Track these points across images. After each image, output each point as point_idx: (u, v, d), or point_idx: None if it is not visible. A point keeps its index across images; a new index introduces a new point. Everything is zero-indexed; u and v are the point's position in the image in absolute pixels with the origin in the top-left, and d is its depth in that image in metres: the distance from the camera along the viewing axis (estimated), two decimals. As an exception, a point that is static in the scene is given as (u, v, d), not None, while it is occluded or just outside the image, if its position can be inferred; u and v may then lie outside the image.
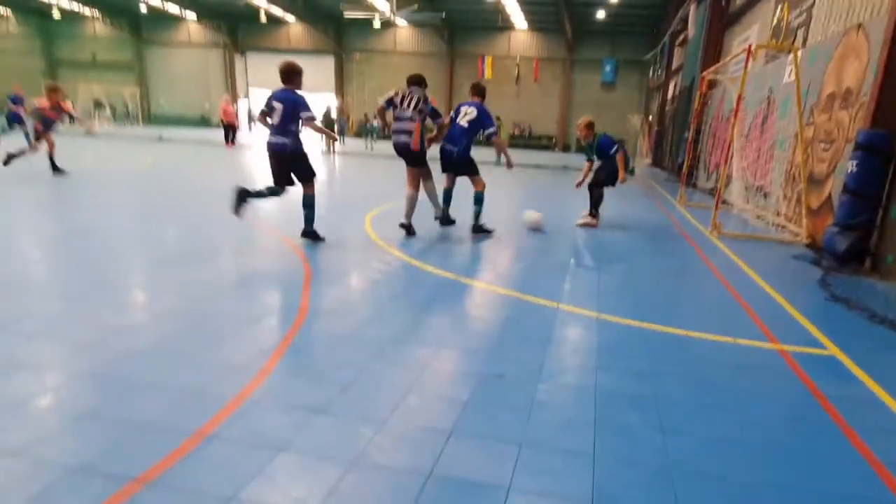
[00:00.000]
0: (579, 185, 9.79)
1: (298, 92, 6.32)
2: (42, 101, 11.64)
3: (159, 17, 41.68)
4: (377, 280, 5.26)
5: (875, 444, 2.88)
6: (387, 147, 28.22)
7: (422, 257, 6.20)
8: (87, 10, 39.47)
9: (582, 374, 3.46)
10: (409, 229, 7.40)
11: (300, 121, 6.24)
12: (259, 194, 6.37)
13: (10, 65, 42.98)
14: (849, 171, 6.95)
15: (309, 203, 6.60)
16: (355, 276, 5.40)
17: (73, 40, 44.55)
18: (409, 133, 7.09)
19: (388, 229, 7.62)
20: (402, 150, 7.22)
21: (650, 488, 2.43)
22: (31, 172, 11.53)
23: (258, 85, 43.67)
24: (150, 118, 43.82)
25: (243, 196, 6.30)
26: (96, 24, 43.67)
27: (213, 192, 10.07)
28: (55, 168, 11.67)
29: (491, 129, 7.43)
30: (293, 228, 7.26)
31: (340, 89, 41.77)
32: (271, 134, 6.29)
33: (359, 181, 13.99)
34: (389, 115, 7.24)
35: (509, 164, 8.00)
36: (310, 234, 6.70)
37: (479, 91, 7.68)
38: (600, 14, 33.47)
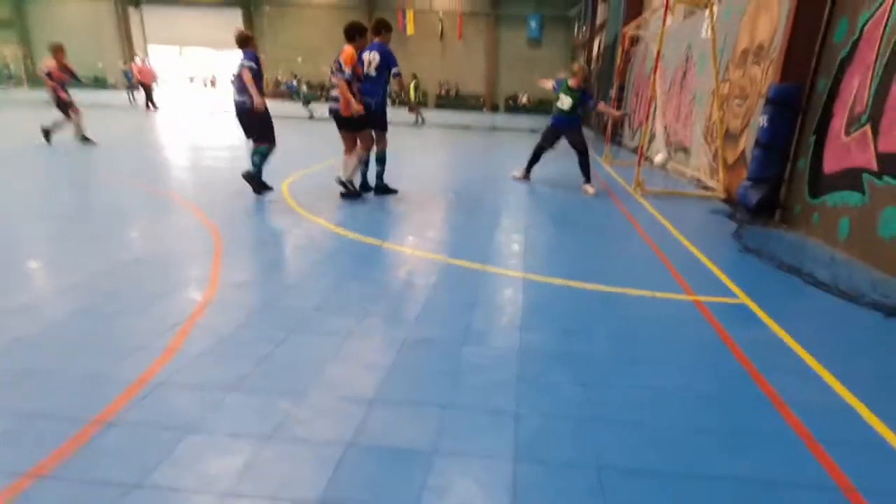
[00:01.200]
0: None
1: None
2: (50, 63, 11.22)
3: None
4: (295, 249, 5.14)
5: (778, 383, 3.05)
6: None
7: (343, 224, 6.09)
8: None
9: (508, 335, 3.50)
10: (348, 188, 7.39)
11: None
12: (257, 168, 7.18)
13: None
14: (760, 125, 7.23)
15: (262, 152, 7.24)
16: (271, 245, 5.25)
17: None
18: (338, 98, 7.00)
19: (307, 196, 7.45)
20: (332, 114, 7.13)
21: (573, 440, 2.49)
22: None
23: (157, 41, 41.19)
24: (36, 81, 39.90)
25: (253, 178, 7.15)
26: None
27: (123, 160, 9.57)
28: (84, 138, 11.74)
29: (396, 69, 7.15)
30: (202, 197, 7.08)
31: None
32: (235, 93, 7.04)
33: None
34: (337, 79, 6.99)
35: (414, 111, 8.55)
36: (254, 180, 7.22)
37: (379, 29, 7.26)
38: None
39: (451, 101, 39.76)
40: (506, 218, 6.81)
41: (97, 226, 5.57)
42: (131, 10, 40.54)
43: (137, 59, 22.84)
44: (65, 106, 11.43)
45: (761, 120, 7.23)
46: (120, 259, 4.59)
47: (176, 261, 4.63)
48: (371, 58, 7.15)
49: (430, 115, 26.21)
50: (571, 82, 8.69)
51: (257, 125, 7.09)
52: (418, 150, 13.91)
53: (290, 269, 4.59)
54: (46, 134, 11.39)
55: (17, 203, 6.41)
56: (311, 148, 13.01)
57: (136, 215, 6.09)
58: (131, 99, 26.66)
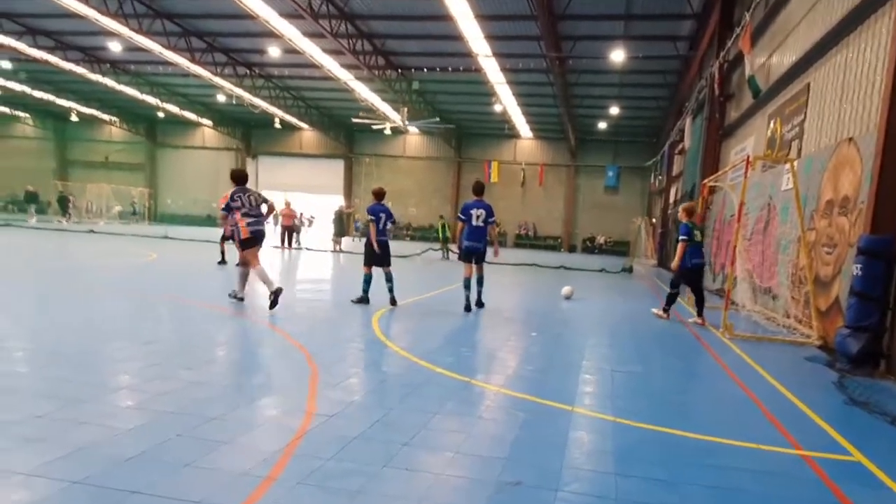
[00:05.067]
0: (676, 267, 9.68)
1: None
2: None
3: (175, 123, 43.25)
4: (386, 381, 5.11)
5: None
6: (401, 247, 28.46)
7: (431, 357, 6.03)
8: (104, 115, 41.27)
9: (601, 482, 3.28)
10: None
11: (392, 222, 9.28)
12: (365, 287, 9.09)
13: (22, 165, 44.94)
14: (854, 274, 6.91)
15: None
16: (363, 376, 5.25)
17: (87, 142, 46.36)
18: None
19: (397, 328, 7.55)
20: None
21: None
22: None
23: (269, 187, 44.09)
24: (157, 216, 44.88)
25: (367, 299, 9.04)
26: (112, 128, 45.42)
27: (214, 288, 9.84)
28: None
29: (493, 219, 9.37)
30: (294, 324, 7.28)
31: (349, 191, 43.02)
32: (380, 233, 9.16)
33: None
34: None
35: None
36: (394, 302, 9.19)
37: (480, 190, 9.38)
38: (602, 124, 34.81)
39: (530, 240, 40.50)
40: (590, 356, 6.63)
41: (198, 351, 5.69)
42: (248, 161, 44.71)
43: (281, 202, 23.06)
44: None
45: (854, 269, 6.92)
46: (220, 384, 4.64)
47: (274, 388, 4.66)
48: (479, 213, 9.22)
49: (508, 253, 26.67)
50: (695, 218, 9.84)
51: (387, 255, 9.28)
52: (497, 286, 14.02)
53: (381, 402, 4.51)
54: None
55: (115, 326, 6.64)
56: (403, 281, 13.34)
57: (237, 343, 6.28)
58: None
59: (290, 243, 22.08)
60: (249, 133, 44.36)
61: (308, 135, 43.27)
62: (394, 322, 8.11)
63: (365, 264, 9.24)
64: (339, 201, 38.00)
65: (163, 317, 7.51)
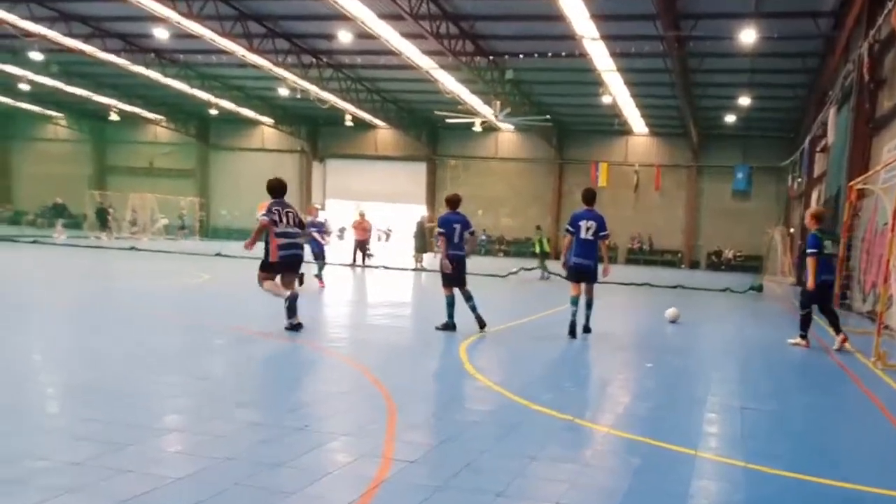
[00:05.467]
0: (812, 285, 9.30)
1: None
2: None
3: (230, 121, 42.77)
4: (475, 421, 5.03)
5: None
6: (493, 264, 27.88)
7: (528, 392, 5.89)
8: (148, 113, 41.09)
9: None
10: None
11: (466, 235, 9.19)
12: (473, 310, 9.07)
13: (55, 172, 45.34)
14: None
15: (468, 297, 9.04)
16: (449, 415, 5.20)
17: (129, 145, 46.41)
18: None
19: (489, 359, 7.54)
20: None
21: None
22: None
23: (338, 196, 44.05)
24: (209, 231, 43.45)
25: (452, 324, 8.94)
26: (157, 129, 45.24)
27: (276, 315, 8.89)
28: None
29: (605, 232, 9.18)
30: (369, 356, 7.28)
31: (432, 199, 41.91)
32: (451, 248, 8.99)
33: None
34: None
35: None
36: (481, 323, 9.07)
37: (592, 198, 9.31)
38: (730, 118, 33.61)
39: (644, 255, 39.40)
40: (715, 390, 6.43)
41: (258, 388, 5.77)
42: (315, 164, 44.28)
43: (356, 214, 22.62)
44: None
45: None
46: (285, 426, 4.56)
47: (346, 430, 4.56)
48: (589, 225, 9.04)
49: (619, 271, 26.09)
50: (826, 225, 9.77)
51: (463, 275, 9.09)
52: (605, 309, 13.82)
53: (470, 445, 4.41)
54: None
55: (161, 358, 6.62)
56: (494, 305, 13.32)
57: (303, 378, 6.37)
58: None
59: (363, 260, 22.06)
60: (316, 132, 43.81)
61: (384, 134, 42.88)
62: (485, 351, 8.10)
63: (444, 285, 9.11)
64: (420, 211, 36.71)
65: (217, 348, 7.51)
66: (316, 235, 13.91)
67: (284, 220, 8.34)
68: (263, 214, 8.27)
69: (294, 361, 7.16)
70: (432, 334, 8.91)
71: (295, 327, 8.24)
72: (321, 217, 14.70)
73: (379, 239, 42.84)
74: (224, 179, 45.32)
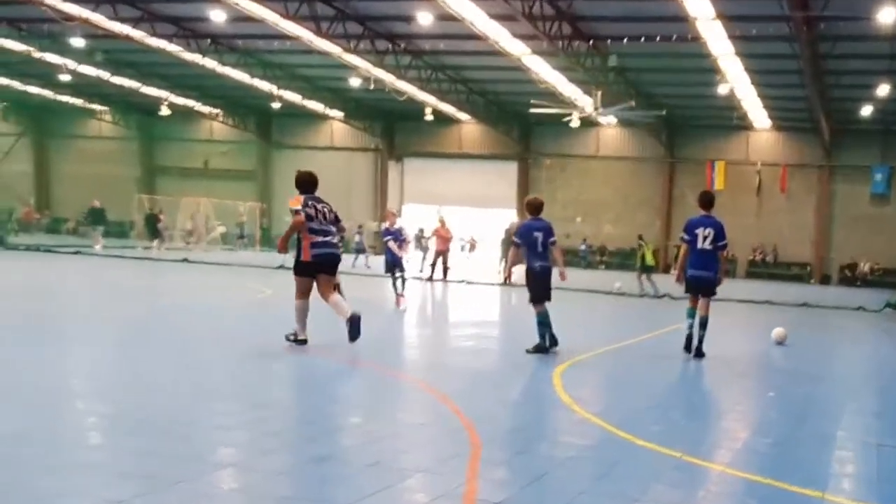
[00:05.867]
0: None
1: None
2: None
3: (296, 116, 42.56)
4: (571, 457, 4.97)
5: None
6: (594, 278, 27.56)
7: (632, 425, 5.80)
8: (203, 107, 40.69)
9: None
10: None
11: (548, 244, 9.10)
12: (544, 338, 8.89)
13: (99, 173, 44.65)
14: None
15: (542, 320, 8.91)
16: (540, 450, 5.12)
17: (181, 143, 46.14)
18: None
19: (587, 386, 7.54)
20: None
21: None
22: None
23: (417, 199, 43.23)
24: (271, 239, 40.41)
25: (545, 346, 8.92)
26: (213, 125, 45.06)
27: (339, 336, 8.92)
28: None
29: (724, 241, 9.24)
30: (450, 382, 7.23)
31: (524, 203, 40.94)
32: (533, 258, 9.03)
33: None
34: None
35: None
36: (541, 349, 8.88)
37: (710, 202, 9.43)
38: (866, 110, 32.27)
39: (768, 268, 38.21)
40: (847, 425, 6.35)
41: (324, 417, 5.78)
42: (391, 164, 43.84)
43: (436, 219, 22.99)
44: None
45: None
46: (354, 461, 4.54)
47: (423, 466, 4.49)
48: (706, 233, 9.15)
49: (738, 286, 25.32)
50: None
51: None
52: (721, 329, 13.58)
53: (564, 485, 4.35)
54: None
55: (215, 384, 6.66)
56: (593, 324, 13.34)
57: (375, 407, 6.32)
58: (361, 263, 26.98)
59: (444, 273, 21.85)
60: (392, 128, 43.46)
61: (470, 130, 42.51)
62: (582, 378, 8.08)
63: (534, 301, 9.10)
64: (510, 217, 36.13)
65: (279, 372, 7.56)
66: (392, 245, 13.87)
67: (319, 215, 8.42)
68: (298, 209, 8.30)
69: (365, 388, 7.19)
70: (522, 358, 8.85)
71: (300, 341, 8.43)
72: (399, 223, 14.51)
73: (462, 249, 41.59)
74: (288, 182, 41.57)
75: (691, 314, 9.26)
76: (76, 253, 26.25)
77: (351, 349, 8.33)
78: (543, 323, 9.02)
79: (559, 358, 8.82)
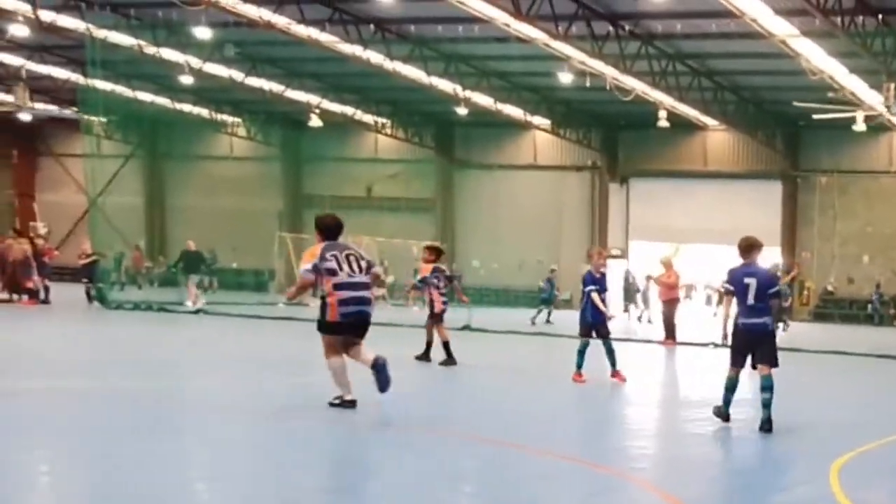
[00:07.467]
0: None
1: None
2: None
3: (486, 126, 36.91)
4: None
5: None
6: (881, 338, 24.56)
7: None
8: (366, 116, 35.46)
9: None
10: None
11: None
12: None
13: (227, 206, 37.48)
14: None
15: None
16: None
17: (334, 165, 39.48)
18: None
19: (878, 490, 6.26)
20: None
21: None
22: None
23: (644, 236, 36.88)
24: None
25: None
26: (378, 138, 38.73)
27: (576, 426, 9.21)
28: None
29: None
30: (684, 480, 6.42)
31: (790, 236, 35.69)
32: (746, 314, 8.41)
33: (815, 393, 12.88)
34: None
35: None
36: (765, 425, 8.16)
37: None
38: None
39: None
40: None
41: None
42: (613, 187, 37.54)
43: (663, 260, 20.43)
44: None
45: None
46: None
47: None
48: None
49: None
50: None
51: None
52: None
53: None
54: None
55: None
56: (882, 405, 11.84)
57: None
58: (542, 319, 24.92)
59: (668, 333, 19.78)
60: (615, 139, 37.72)
61: (716, 139, 36.85)
62: (870, 475, 6.83)
63: (732, 362, 8.74)
64: (772, 257, 30.02)
65: (467, 472, 6.57)
66: (596, 298, 11.41)
67: (346, 266, 8.01)
68: (308, 269, 7.94)
69: (576, 490, 6.10)
70: (783, 447, 8.19)
71: (347, 403, 8.14)
72: (605, 267, 11.94)
73: (687, 296, 35.60)
74: (476, 212, 38.80)
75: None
76: (197, 312, 23.12)
77: (569, 442, 7.94)
78: (730, 389, 8.48)
79: (836, 447, 7.68)
